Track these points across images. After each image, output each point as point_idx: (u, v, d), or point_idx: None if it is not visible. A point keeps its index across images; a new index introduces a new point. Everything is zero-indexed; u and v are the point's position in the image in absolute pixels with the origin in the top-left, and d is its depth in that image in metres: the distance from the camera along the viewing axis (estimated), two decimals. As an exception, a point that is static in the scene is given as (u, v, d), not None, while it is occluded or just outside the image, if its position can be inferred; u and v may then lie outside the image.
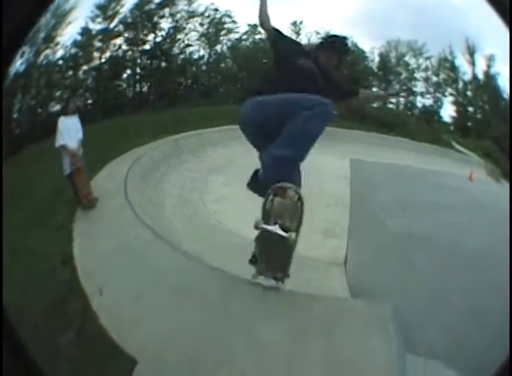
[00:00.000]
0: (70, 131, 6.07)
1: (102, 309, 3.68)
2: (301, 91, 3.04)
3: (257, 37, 20.06)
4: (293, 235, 2.97)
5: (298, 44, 3.85)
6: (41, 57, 13.02)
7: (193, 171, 8.97)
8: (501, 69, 16.66)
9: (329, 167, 10.05)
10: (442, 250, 5.75)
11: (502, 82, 16.67)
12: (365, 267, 5.29)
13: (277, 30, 3.57)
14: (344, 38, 3.81)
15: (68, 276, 4.32)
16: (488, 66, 17.47)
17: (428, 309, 4.26)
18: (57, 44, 13.70)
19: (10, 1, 1.50)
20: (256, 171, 3.22)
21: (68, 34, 14.06)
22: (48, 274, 4.43)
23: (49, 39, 13.20)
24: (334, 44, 3.57)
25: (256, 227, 3.09)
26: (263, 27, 3.56)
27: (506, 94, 16.72)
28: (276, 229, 2.97)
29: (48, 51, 13.36)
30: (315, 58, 3.48)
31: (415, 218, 7.05)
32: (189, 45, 18.66)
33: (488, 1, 1.94)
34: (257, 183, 3.16)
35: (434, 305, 4.34)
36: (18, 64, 10.40)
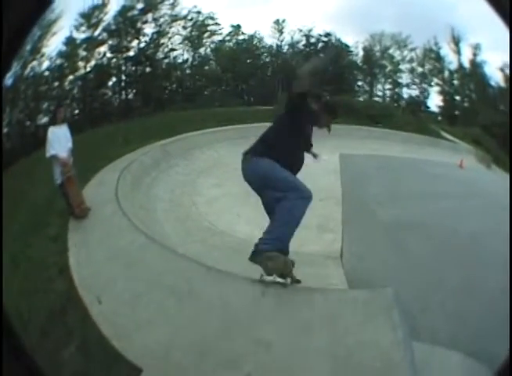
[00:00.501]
0: (60, 141, 6.00)
1: (101, 318, 3.64)
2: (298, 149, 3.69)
3: (241, 37, 20.21)
4: (289, 280, 3.27)
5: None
6: (28, 69, 13.25)
7: (183, 175, 8.98)
8: (487, 57, 16.97)
9: (320, 163, 9.93)
10: (435, 236, 5.79)
11: (489, 70, 17.01)
12: (360, 258, 5.30)
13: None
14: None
15: (65, 286, 4.29)
16: (474, 55, 17.77)
17: (426, 294, 4.30)
18: (43, 55, 13.95)
19: (10, 2, 1.50)
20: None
21: (53, 45, 14.30)
22: (46, 284, 4.41)
23: (35, 51, 13.33)
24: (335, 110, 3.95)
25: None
26: (302, 86, 3.29)
27: (493, 82, 16.96)
28: (275, 278, 3.24)
29: (34, 62, 13.49)
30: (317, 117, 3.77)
31: (406, 208, 7.08)
32: (173, 50, 18.86)
33: (488, 2, 1.91)
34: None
35: (432, 289, 4.38)
36: (6, 78, 10.32)
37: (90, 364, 3.18)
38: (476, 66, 18.00)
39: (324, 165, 9.65)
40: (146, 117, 15.25)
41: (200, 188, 8.31)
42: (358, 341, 2.74)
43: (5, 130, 11.44)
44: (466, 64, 18.43)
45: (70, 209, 5.96)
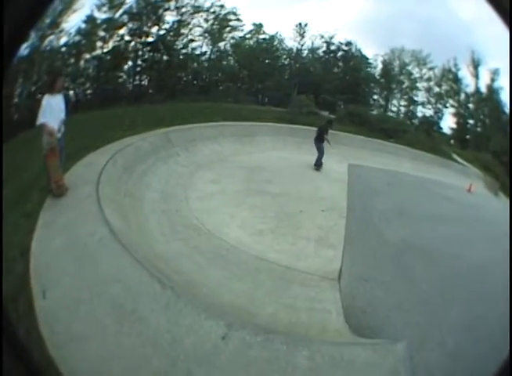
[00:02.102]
0: (52, 110, 5.73)
1: (42, 315, 3.22)
2: None
3: (261, 37, 19.95)
4: None
5: None
6: (46, 43, 12.90)
7: (182, 166, 8.52)
8: (504, 83, 16.72)
9: (326, 170, 9.73)
10: (442, 263, 5.53)
11: (505, 97, 16.67)
12: (361, 282, 4.79)
13: None
14: None
15: (22, 270, 3.88)
16: (492, 80, 17.45)
17: (427, 330, 3.98)
18: (62, 30, 13.59)
19: (10, 2, 1.55)
20: None
21: (73, 21, 13.96)
22: (10, 264, 3.96)
23: (55, 25, 13.09)
24: None
25: None
26: None
27: (507, 108, 16.64)
28: None
29: (52, 37, 13.27)
30: None
31: (415, 229, 6.75)
32: (192, 40, 18.61)
33: (488, 2, 1.96)
34: None
35: (433, 326, 4.06)
36: (22, 48, 10.09)
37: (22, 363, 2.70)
38: (492, 91, 17.71)
39: (330, 173, 9.33)
40: (157, 104, 15.15)
41: (196, 182, 7.81)
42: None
43: (15, 100, 11.19)
44: (483, 88, 18.15)
45: (48, 185, 5.61)
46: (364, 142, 13.63)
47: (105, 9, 15.59)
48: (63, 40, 13.86)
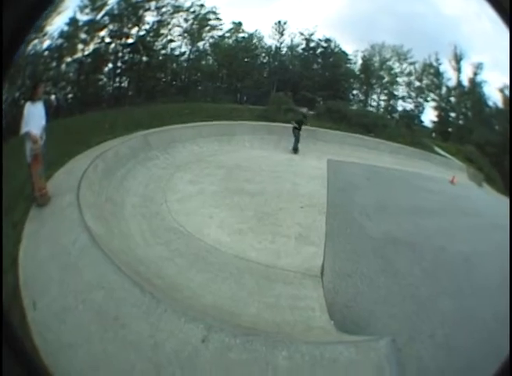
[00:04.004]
0: (34, 118, 5.78)
1: (34, 326, 3.22)
2: None
3: (240, 35, 19.90)
4: None
5: None
6: (30, 47, 12.59)
7: (161, 168, 8.42)
8: (488, 77, 16.82)
9: (305, 166, 9.69)
10: (426, 256, 5.47)
11: (488, 90, 16.83)
12: (344, 278, 4.75)
13: None
14: None
15: (13, 281, 3.85)
16: (475, 74, 17.59)
17: (415, 322, 3.96)
18: (45, 34, 13.31)
19: (10, 2, 1.56)
20: None
21: (56, 24, 13.74)
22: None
23: (39, 29, 12.76)
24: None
25: None
26: None
27: (491, 101, 16.87)
28: None
29: (36, 41, 12.97)
30: None
31: (397, 223, 6.67)
32: (171, 41, 18.42)
33: (488, 2, 1.98)
34: None
35: (421, 318, 4.04)
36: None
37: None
38: (475, 85, 17.87)
39: (309, 170, 9.30)
40: (137, 106, 14.94)
41: (175, 184, 7.71)
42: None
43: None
44: (466, 82, 18.26)
45: (32, 194, 5.61)
46: (344, 138, 13.62)
47: (87, 10, 15.41)
48: (46, 44, 13.71)
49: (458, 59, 17.68)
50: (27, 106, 5.81)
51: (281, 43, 20.07)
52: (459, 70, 18.05)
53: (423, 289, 4.56)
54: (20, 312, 3.40)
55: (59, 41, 14.29)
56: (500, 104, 16.36)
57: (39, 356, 2.82)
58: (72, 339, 2.97)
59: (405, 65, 19.69)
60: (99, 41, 16.07)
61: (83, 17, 15.07)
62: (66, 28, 14.35)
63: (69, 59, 15.15)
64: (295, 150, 12.02)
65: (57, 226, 4.76)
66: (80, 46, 15.28)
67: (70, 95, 15.80)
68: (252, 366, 2.49)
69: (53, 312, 3.30)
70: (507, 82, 13.84)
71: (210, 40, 19.40)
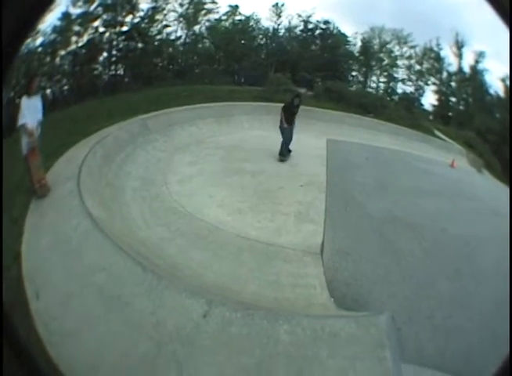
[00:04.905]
0: (30, 111, 5.93)
1: (38, 317, 3.22)
2: None
3: (237, 18, 19.66)
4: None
5: None
6: (23, 47, 12.40)
7: (160, 151, 8.40)
8: (490, 66, 16.59)
9: (304, 146, 9.61)
10: (426, 236, 5.42)
11: (490, 79, 16.63)
12: (344, 256, 4.75)
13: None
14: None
15: (16, 275, 3.86)
16: (477, 62, 17.38)
17: (414, 302, 3.96)
18: (38, 32, 13.05)
19: (10, 2, 1.55)
20: None
21: (49, 21, 13.50)
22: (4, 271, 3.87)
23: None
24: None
25: None
26: None
27: (492, 90, 16.72)
28: None
29: (28, 40, 12.83)
30: None
31: (397, 202, 6.63)
32: (167, 26, 18.19)
33: (488, 1, 1.96)
34: None
35: (420, 298, 4.04)
36: None
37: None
38: (476, 72, 17.67)
39: (308, 149, 9.27)
40: (133, 92, 14.94)
41: (175, 165, 7.73)
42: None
43: None
44: (467, 69, 18.08)
45: (31, 186, 5.71)
46: (342, 118, 13.54)
47: (80, 3, 15.17)
48: (39, 41, 13.54)
49: (459, 45, 17.46)
50: (23, 100, 5.96)
51: (278, 25, 19.81)
52: (460, 56, 17.83)
53: (423, 270, 4.54)
54: (24, 304, 3.41)
55: (53, 36, 14.10)
56: (501, 93, 16.25)
57: (44, 347, 2.85)
58: (76, 325, 3.00)
59: (405, 48, 19.46)
60: (93, 31, 15.81)
61: (76, 11, 14.87)
62: (58, 23, 14.15)
63: (63, 53, 15.03)
64: (283, 155, 8.58)
65: (58, 215, 4.78)
66: (74, 38, 15.06)
67: (65, 87, 15.74)
68: (253, 340, 2.51)
69: (56, 300, 3.33)
70: (508, 72, 13.76)
71: (207, 23, 19.15)
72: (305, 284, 4.08)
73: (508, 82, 15.05)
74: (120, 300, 3.07)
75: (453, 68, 18.35)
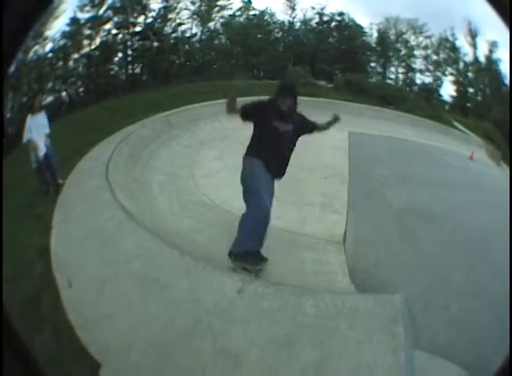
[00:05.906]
0: (36, 127, 6.25)
1: (70, 304, 3.37)
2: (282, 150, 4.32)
3: (251, 13, 19.68)
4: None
5: (261, 102, 4.24)
6: (31, 54, 12.83)
7: (185, 146, 8.62)
8: (503, 56, 16.30)
9: (327, 138, 9.56)
10: (445, 228, 5.48)
11: (504, 68, 16.35)
12: (365, 244, 4.91)
13: (242, 106, 4.11)
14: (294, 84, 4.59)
15: (41, 271, 4.02)
16: (490, 52, 17.10)
17: (431, 292, 4.01)
18: (46, 38, 13.50)
19: (10, 2, 1.54)
20: None
21: (56, 27, 13.90)
22: (28, 267, 4.12)
23: (37, 35, 12.92)
24: (290, 91, 4.16)
25: None
26: (232, 114, 4.17)
27: (507, 80, 16.42)
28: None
29: (37, 47, 13.14)
30: (278, 106, 4.07)
31: (417, 194, 6.72)
32: (181, 24, 18.35)
33: (488, 1, 1.98)
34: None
35: (437, 288, 4.09)
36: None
37: (60, 354, 2.91)
38: (491, 62, 17.34)
39: (331, 142, 9.37)
40: (153, 90, 15.11)
41: (201, 160, 7.92)
42: (351, 365, 2.39)
43: (8, 115, 11.14)
44: (482, 58, 17.76)
45: (45, 187, 6.27)
46: (363, 110, 13.48)
47: (87, 8, 15.32)
48: (49, 46, 13.73)
49: (473, 35, 17.18)
50: (28, 118, 6.26)
51: (293, 18, 19.80)
52: (474, 46, 17.54)
53: (441, 260, 4.61)
54: (52, 296, 3.52)
55: (63, 41, 14.39)
56: (515, 85, 15.93)
57: (75, 334, 3.00)
58: (111, 309, 3.15)
59: (421, 38, 19.26)
60: (106, 33, 16.12)
61: (84, 15, 15.19)
62: (67, 29, 14.44)
63: (76, 56, 15.20)
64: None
65: (88, 209, 4.95)
66: (86, 42, 15.35)
67: (81, 89, 15.91)
68: (283, 312, 2.73)
69: (90, 286, 3.48)
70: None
71: (221, 20, 19.24)
72: (328, 271, 4.26)
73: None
74: (157, 282, 3.24)
75: (469, 58, 18.07)
